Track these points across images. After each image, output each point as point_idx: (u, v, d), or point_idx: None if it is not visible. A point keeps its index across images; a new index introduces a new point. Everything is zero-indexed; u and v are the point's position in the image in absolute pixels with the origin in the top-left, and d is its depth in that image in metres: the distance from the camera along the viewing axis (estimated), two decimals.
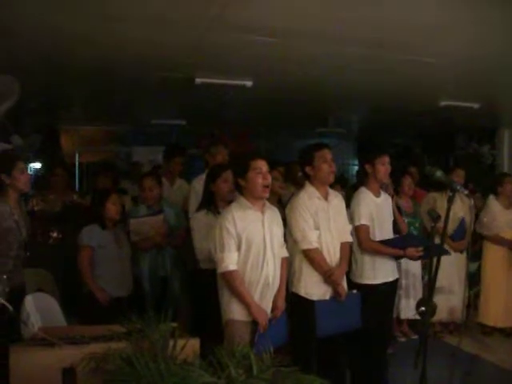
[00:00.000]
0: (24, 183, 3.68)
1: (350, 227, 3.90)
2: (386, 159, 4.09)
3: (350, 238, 3.85)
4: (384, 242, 4.01)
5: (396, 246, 4.02)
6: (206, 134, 9.30)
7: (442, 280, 5.16)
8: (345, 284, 3.75)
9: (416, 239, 4.33)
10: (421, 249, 4.01)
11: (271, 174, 3.40)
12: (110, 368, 2.57)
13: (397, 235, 4.33)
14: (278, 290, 3.38)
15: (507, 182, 5.68)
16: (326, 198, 3.73)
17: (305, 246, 3.60)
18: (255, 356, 2.58)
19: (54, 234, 5.28)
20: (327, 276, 3.60)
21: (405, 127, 9.68)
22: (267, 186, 3.29)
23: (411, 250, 4.00)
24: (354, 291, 3.79)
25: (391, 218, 4.22)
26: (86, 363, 2.64)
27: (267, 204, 3.41)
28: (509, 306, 5.62)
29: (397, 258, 4.12)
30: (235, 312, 3.25)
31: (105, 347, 2.70)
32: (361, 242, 3.98)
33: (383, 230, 4.06)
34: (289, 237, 3.68)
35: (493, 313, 5.64)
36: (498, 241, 5.62)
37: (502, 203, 5.67)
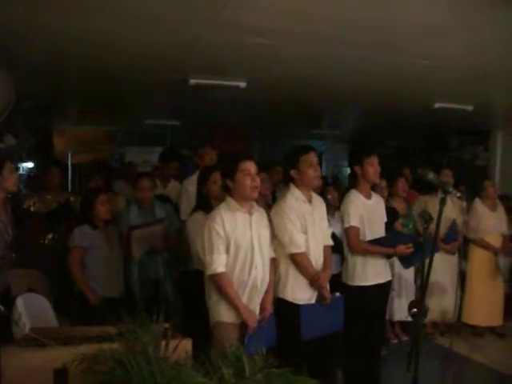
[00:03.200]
0: (13, 183, 3.65)
1: (330, 230, 3.89)
2: (375, 160, 4.06)
3: (331, 241, 3.83)
4: (373, 242, 3.99)
5: (386, 245, 4.00)
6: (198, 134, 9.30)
7: (434, 281, 5.22)
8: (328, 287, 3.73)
9: (405, 237, 4.30)
10: (411, 245, 3.98)
11: (258, 176, 3.37)
12: (102, 369, 2.55)
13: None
14: (266, 292, 3.37)
15: (488, 186, 5.82)
16: (310, 201, 3.70)
17: (293, 250, 3.55)
18: (247, 357, 2.58)
19: (49, 236, 5.27)
20: (314, 280, 3.58)
21: (399, 129, 9.71)
22: (256, 187, 3.27)
23: (401, 247, 3.96)
24: (337, 294, 3.75)
25: (383, 220, 4.21)
26: (77, 364, 2.62)
27: (255, 206, 3.40)
28: (492, 306, 5.74)
29: (388, 256, 4.11)
30: (223, 314, 3.23)
31: (97, 348, 2.69)
32: (351, 243, 3.98)
33: (374, 232, 4.05)
34: (274, 241, 3.59)
35: (475, 312, 5.72)
36: (483, 245, 5.74)
37: (487, 206, 5.77)
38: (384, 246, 3.99)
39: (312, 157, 3.66)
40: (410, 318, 3.18)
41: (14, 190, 3.72)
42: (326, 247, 3.75)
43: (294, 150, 3.74)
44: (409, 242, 4.02)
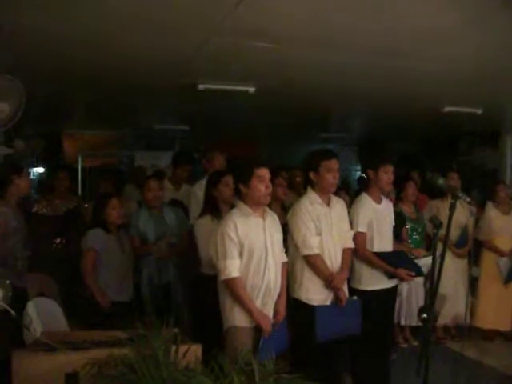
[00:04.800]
0: (29, 186, 3.84)
1: (352, 233, 3.89)
2: (390, 168, 4.07)
3: (352, 244, 3.85)
4: (379, 255, 4.00)
5: (389, 262, 3.99)
6: (207, 139, 9.31)
7: (446, 286, 5.19)
8: (346, 290, 3.76)
9: (411, 264, 4.23)
10: (413, 274, 4.03)
11: (276, 180, 3.41)
12: (113, 373, 2.57)
13: (397, 242, 4.31)
14: (279, 296, 3.38)
15: (499, 190, 5.78)
16: (328, 204, 3.73)
17: (306, 252, 3.61)
18: (257, 362, 2.58)
19: (58, 240, 5.30)
20: (328, 281, 3.61)
21: (408, 132, 9.68)
22: (269, 195, 3.31)
23: (402, 271, 4.00)
24: (355, 298, 3.78)
25: (391, 224, 4.21)
26: (88, 368, 2.64)
27: (267, 210, 3.43)
28: (503, 310, 5.68)
29: (390, 276, 4.07)
30: (238, 319, 3.24)
31: (107, 353, 2.70)
32: (357, 249, 3.97)
33: (383, 236, 4.06)
34: (290, 242, 3.69)
35: (485, 315, 5.68)
36: (490, 247, 5.72)
37: (499, 209, 5.74)
38: (388, 262, 3.99)
39: (334, 163, 3.70)
40: (420, 323, 3.16)
41: (28, 192, 3.89)
42: (345, 249, 3.77)
43: (317, 154, 3.78)
44: (412, 270, 4.06)
